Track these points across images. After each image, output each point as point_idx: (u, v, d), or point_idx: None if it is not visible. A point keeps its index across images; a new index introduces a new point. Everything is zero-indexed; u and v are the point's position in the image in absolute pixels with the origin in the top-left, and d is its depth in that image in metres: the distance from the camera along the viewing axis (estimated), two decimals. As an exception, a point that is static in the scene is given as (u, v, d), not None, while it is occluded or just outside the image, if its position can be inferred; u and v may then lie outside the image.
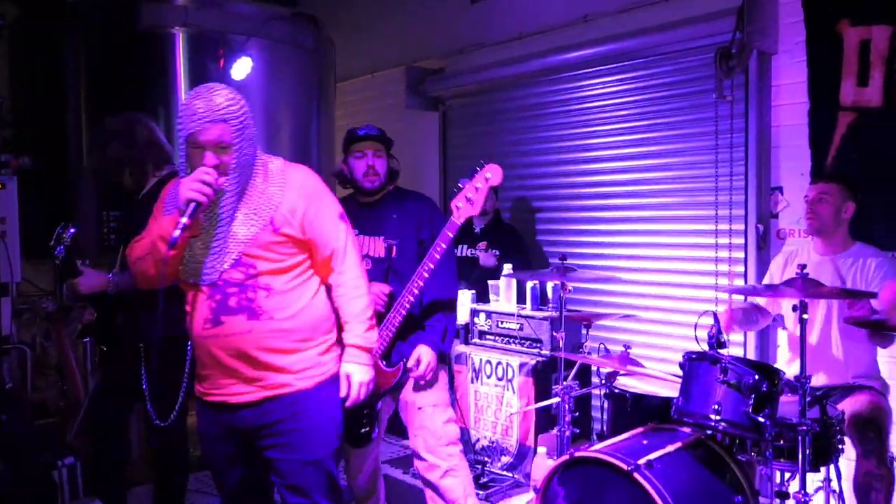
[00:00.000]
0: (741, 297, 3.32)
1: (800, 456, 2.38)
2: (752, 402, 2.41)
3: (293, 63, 4.91)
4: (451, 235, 2.64)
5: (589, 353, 3.39)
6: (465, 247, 4.65)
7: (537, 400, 3.78)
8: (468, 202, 2.62)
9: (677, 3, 4.12)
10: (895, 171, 3.31)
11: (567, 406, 3.11)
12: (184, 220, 1.94)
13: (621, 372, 3.10)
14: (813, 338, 3.02)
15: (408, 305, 2.71)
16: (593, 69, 4.61)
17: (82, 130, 4.41)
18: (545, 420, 3.82)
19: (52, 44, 4.46)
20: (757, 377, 2.42)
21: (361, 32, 6.24)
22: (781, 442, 2.50)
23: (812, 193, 3.10)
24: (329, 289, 2.24)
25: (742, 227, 3.92)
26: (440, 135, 5.74)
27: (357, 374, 2.21)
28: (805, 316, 2.40)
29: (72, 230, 2.81)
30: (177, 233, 1.94)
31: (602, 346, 3.45)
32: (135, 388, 2.54)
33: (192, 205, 1.95)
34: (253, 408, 2.12)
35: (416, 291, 2.69)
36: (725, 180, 3.96)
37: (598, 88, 4.63)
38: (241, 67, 4.47)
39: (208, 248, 2.06)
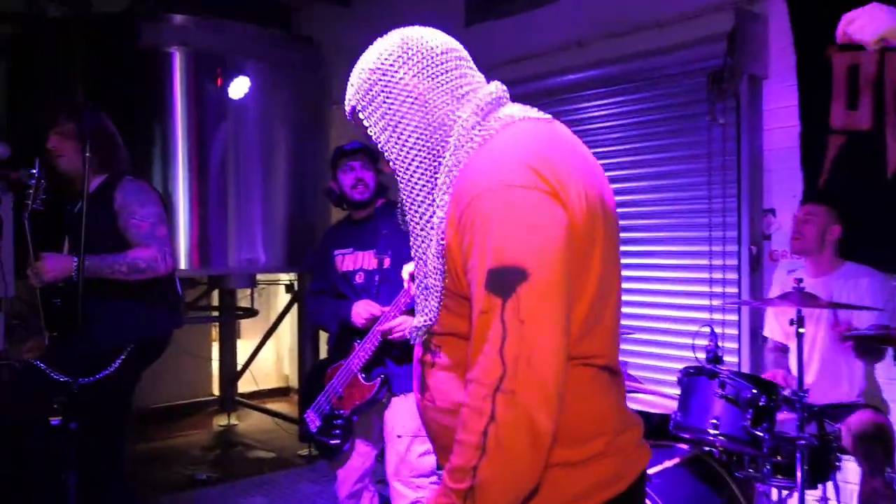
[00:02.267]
0: (734, 317, 3.34)
1: (798, 471, 2.38)
2: (750, 416, 2.42)
3: (289, 84, 4.95)
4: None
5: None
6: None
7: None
8: None
9: (670, 28, 4.18)
10: (884, 193, 3.36)
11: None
12: None
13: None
14: (810, 355, 3.04)
15: (390, 326, 2.69)
16: (587, 92, 4.67)
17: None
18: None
19: (52, 60, 4.48)
20: (755, 391, 2.43)
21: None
22: (779, 458, 2.50)
23: (800, 214, 3.15)
24: None
25: (735, 248, 3.95)
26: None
27: None
28: (801, 329, 2.42)
29: (34, 172, 2.63)
30: None
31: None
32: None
33: None
34: None
35: (402, 308, 2.67)
36: (719, 202, 4.00)
37: (592, 111, 4.69)
38: (239, 87, 4.50)
39: None
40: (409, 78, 1.33)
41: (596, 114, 4.66)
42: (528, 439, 1.05)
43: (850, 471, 2.92)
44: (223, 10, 5.47)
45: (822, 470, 2.53)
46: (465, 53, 1.41)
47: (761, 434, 2.38)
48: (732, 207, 3.96)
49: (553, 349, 1.08)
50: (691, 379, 2.57)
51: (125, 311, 2.78)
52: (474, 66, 1.42)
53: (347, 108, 1.43)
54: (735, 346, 3.92)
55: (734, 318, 3.91)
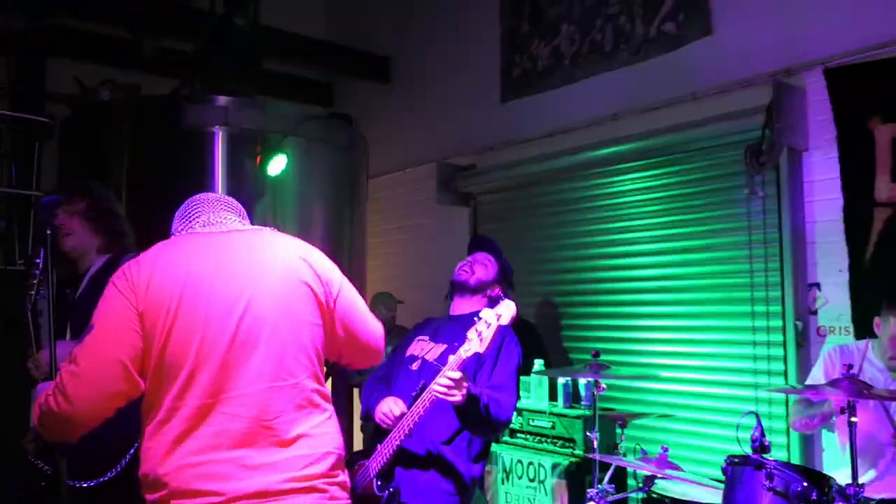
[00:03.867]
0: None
1: (856, 572, 2.22)
2: (801, 511, 2.28)
3: (327, 160, 5.04)
4: (452, 376, 2.36)
5: (624, 455, 3.27)
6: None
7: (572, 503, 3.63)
8: (479, 337, 2.33)
9: (707, 100, 4.18)
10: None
11: (603, 511, 2.97)
12: None
13: (659, 475, 2.97)
14: (868, 443, 2.86)
15: (411, 426, 2.47)
16: (623, 165, 4.65)
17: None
18: (581, 526, 3.65)
19: (99, 142, 4.64)
20: (806, 484, 2.30)
21: (394, 130, 6.43)
22: (834, 556, 2.34)
23: None
24: None
25: (780, 324, 3.82)
26: (471, 230, 5.79)
27: None
28: (854, 419, 2.29)
29: (38, 262, 2.47)
30: None
31: (638, 446, 3.32)
32: None
33: None
34: None
35: (417, 420, 2.45)
36: (761, 276, 3.89)
37: (628, 184, 4.66)
38: (277, 164, 4.59)
39: None
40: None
41: (632, 186, 4.63)
42: None
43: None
44: (268, 90, 5.66)
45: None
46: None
47: (813, 530, 2.24)
48: (776, 282, 3.85)
49: None
50: (736, 469, 2.44)
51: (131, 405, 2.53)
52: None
53: None
54: (783, 426, 3.76)
55: (781, 397, 3.75)
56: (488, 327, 2.32)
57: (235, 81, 4.97)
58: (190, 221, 1.95)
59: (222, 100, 4.61)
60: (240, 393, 1.71)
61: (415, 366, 2.76)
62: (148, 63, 5.60)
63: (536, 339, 4.66)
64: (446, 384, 2.35)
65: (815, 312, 3.74)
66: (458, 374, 2.35)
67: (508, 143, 5.40)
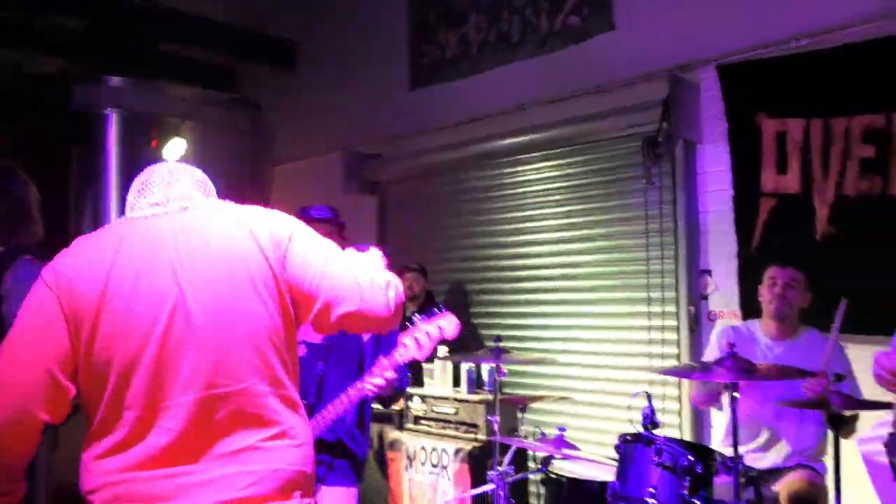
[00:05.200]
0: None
1: (736, 540, 2.33)
2: (687, 484, 2.37)
3: (229, 145, 4.91)
4: (388, 377, 2.48)
5: (525, 437, 3.32)
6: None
7: (474, 487, 3.66)
8: (417, 345, 2.43)
9: (608, 94, 4.28)
10: (813, 254, 3.42)
11: (502, 493, 3.01)
12: None
13: (557, 456, 3.03)
14: (751, 419, 3.00)
15: (334, 419, 2.54)
16: (528, 155, 4.72)
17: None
18: (482, 509, 3.69)
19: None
20: (691, 458, 2.39)
21: (301, 118, 6.30)
22: (719, 525, 2.45)
23: (784, 278, 3.10)
24: None
25: (674, 309, 3.97)
26: (378, 218, 5.75)
27: None
28: (735, 395, 2.40)
29: None
30: None
31: (538, 429, 3.38)
32: None
33: None
34: None
35: (340, 410, 2.52)
36: (657, 263, 4.03)
37: (532, 174, 4.73)
38: (174, 148, 4.43)
39: None
40: None
41: (536, 176, 4.71)
42: None
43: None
44: (167, 73, 5.42)
45: (760, 536, 2.49)
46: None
47: (698, 502, 2.33)
48: (670, 269, 4.00)
49: None
50: (628, 447, 2.52)
51: None
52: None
53: None
54: (676, 406, 3.91)
55: (675, 379, 3.90)
56: (428, 337, 2.43)
57: (130, 62, 4.76)
58: (140, 196, 1.69)
59: (115, 80, 4.42)
60: (172, 403, 1.49)
61: (301, 350, 2.75)
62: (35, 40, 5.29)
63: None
64: (379, 384, 2.46)
65: (706, 297, 3.90)
66: (392, 375, 2.46)
67: (416, 132, 5.38)
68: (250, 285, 1.56)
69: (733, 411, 2.42)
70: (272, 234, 1.63)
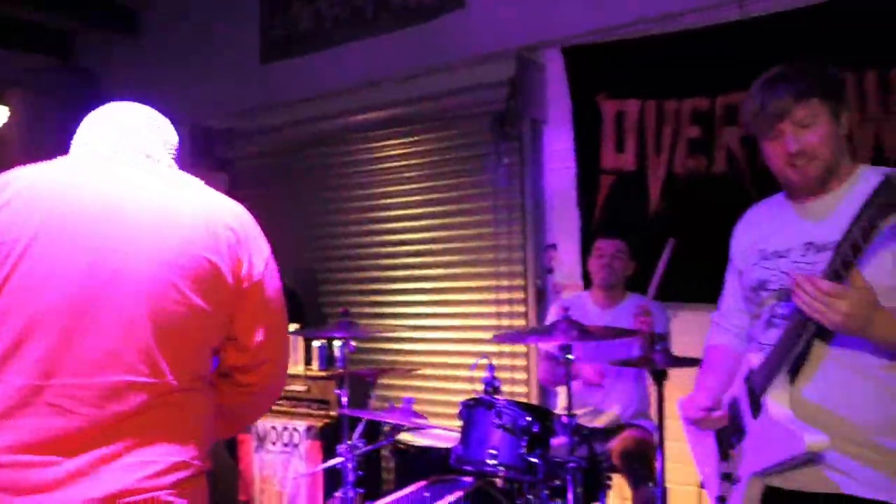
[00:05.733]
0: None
1: (569, 493, 2.45)
2: (525, 443, 2.46)
3: (60, 117, 4.56)
4: None
5: (375, 411, 3.33)
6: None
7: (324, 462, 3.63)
8: None
9: (458, 72, 4.33)
10: (647, 228, 3.63)
11: (351, 466, 3.01)
12: None
13: (405, 427, 3.07)
14: (587, 382, 3.17)
15: None
16: (381, 132, 4.71)
17: None
18: (334, 484, 3.67)
19: None
20: (529, 419, 2.48)
21: (145, 89, 5.92)
22: (557, 482, 2.57)
23: (610, 249, 3.27)
24: None
25: (521, 282, 4.11)
26: (228, 196, 5.54)
27: None
28: (570, 356, 2.51)
29: None
30: None
31: (388, 403, 3.41)
32: None
33: None
34: None
35: None
36: (505, 238, 4.15)
37: (386, 150, 4.73)
38: (-3, 115, 4.09)
39: None
40: None
41: (388, 153, 4.71)
42: None
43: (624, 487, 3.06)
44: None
45: (593, 489, 2.63)
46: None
47: (536, 461, 2.43)
48: (518, 244, 4.12)
49: None
50: (471, 411, 2.59)
51: None
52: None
53: None
54: (525, 376, 4.05)
55: (524, 349, 4.04)
56: None
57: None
58: (98, 133, 1.57)
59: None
60: (76, 382, 1.32)
61: None
62: None
63: (297, 304, 4.60)
64: None
65: (551, 271, 4.06)
66: None
67: (268, 107, 5.23)
68: (196, 279, 1.44)
69: (567, 373, 2.53)
70: (244, 249, 1.56)
